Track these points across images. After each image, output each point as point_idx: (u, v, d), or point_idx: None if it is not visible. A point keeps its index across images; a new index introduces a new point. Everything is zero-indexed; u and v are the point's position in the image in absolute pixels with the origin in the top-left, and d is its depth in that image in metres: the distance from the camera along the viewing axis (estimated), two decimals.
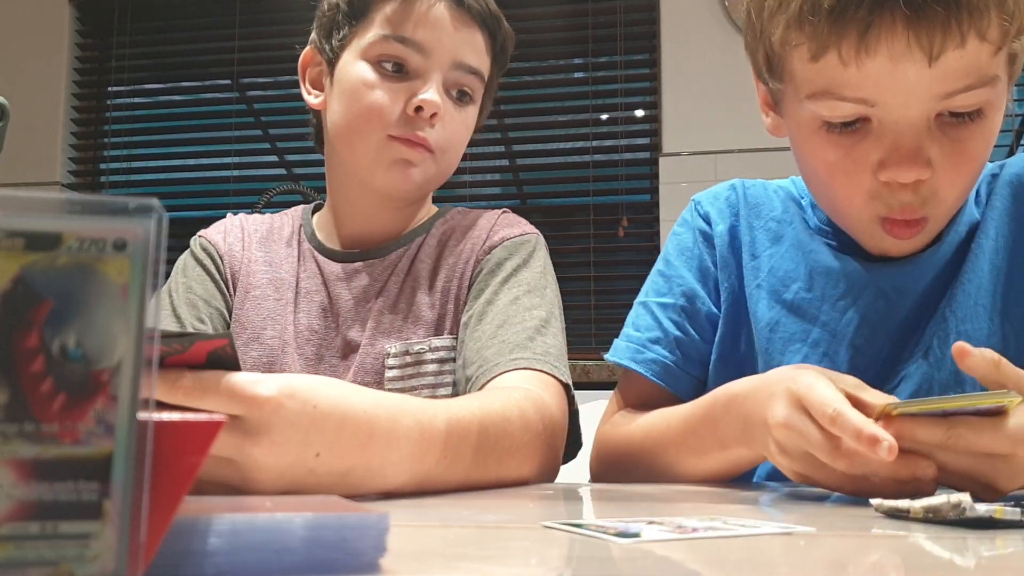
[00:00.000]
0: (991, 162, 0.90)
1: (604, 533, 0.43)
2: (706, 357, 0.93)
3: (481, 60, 1.01)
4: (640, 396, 0.94)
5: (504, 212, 1.06)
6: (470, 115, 1.02)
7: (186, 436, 0.30)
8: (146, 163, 3.52)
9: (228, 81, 3.38)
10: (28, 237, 0.25)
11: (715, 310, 0.93)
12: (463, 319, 0.95)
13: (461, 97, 1.00)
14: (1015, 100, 2.94)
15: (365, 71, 0.97)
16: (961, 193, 0.78)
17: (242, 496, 0.55)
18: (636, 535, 0.43)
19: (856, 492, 0.62)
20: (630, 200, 3.09)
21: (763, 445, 0.68)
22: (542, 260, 1.00)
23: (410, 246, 1.02)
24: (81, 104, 3.37)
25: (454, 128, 0.99)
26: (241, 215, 1.12)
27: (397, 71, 0.96)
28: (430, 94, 0.95)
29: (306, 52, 1.06)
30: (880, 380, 0.82)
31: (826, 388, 0.61)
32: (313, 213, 1.11)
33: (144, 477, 0.26)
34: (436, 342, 0.95)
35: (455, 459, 0.67)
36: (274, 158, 3.41)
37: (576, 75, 3.26)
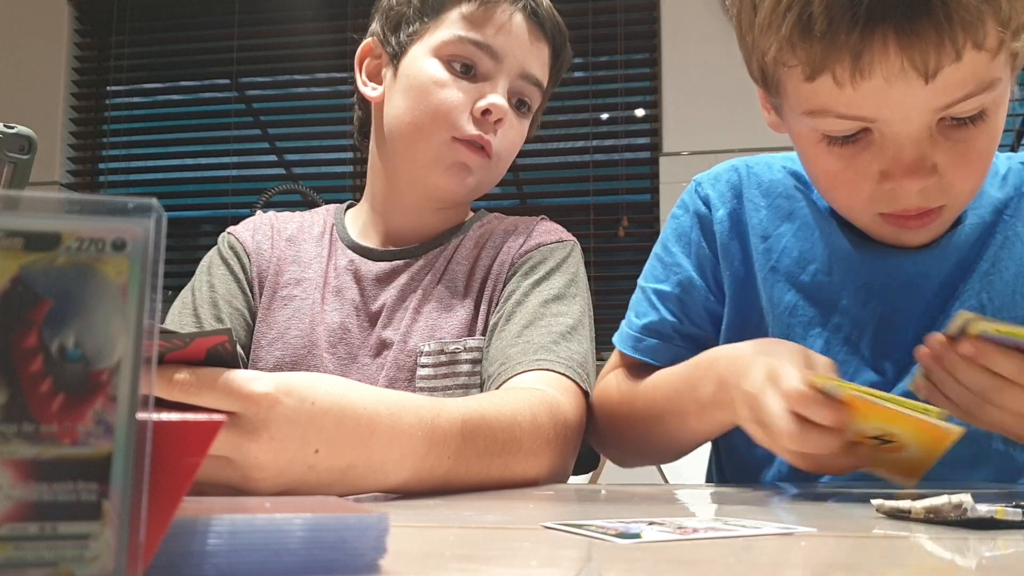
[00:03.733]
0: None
1: (604, 534, 0.43)
2: (704, 340, 0.92)
3: (544, 74, 1.01)
4: (639, 368, 0.94)
5: (543, 218, 1.05)
6: (525, 126, 1.02)
7: (186, 436, 0.29)
8: (145, 163, 3.52)
9: (227, 81, 3.38)
10: (27, 237, 0.25)
11: (712, 298, 0.92)
12: (492, 319, 0.95)
13: (520, 107, 1.00)
14: (1016, 100, 2.94)
15: (436, 68, 0.96)
16: (976, 185, 0.77)
17: (241, 497, 0.55)
18: (636, 536, 0.43)
19: (808, 466, 0.66)
20: (630, 200, 3.09)
21: (734, 409, 0.72)
22: (575, 267, 0.99)
23: (446, 247, 1.01)
24: (80, 104, 3.37)
25: (512, 137, 0.99)
26: (272, 213, 1.11)
27: (465, 72, 0.96)
28: (499, 99, 0.95)
29: (366, 43, 1.04)
30: (904, 366, 0.81)
31: (794, 375, 0.65)
32: (347, 210, 1.10)
33: (143, 477, 0.26)
34: (471, 342, 0.95)
35: (460, 458, 0.67)
36: (273, 157, 3.41)
37: (576, 75, 3.25)
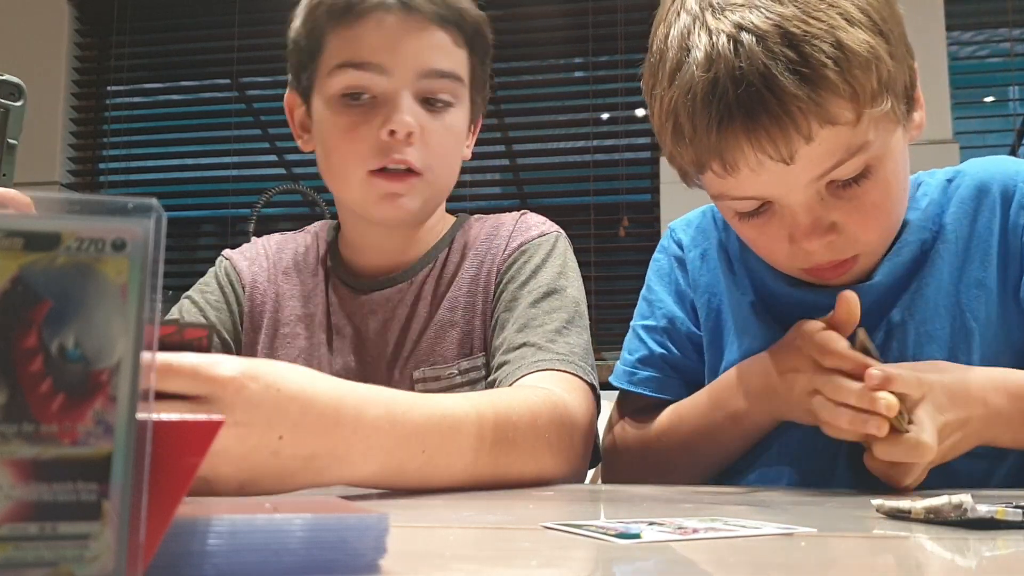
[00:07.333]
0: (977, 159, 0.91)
1: (604, 534, 0.43)
2: (692, 370, 0.97)
3: (451, 59, 0.94)
4: (639, 408, 0.98)
5: (523, 214, 1.03)
6: (454, 119, 0.95)
7: (185, 436, 0.29)
8: (145, 163, 3.52)
9: (227, 81, 3.38)
10: (27, 237, 0.25)
11: (693, 329, 0.97)
12: (489, 334, 0.94)
13: (435, 104, 0.93)
14: (1016, 100, 2.94)
15: (333, 112, 0.93)
16: (882, 233, 0.82)
17: (240, 497, 0.55)
18: (636, 536, 0.43)
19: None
20: (630, 200, 3.09)
21: (790, 410, 0.80)
22: (562, 258, 0.97)
23: (434, 264, 1.00)
24: (80, 104, 3.37)
25: (437, 141, 0.93)
26: (264, 239, 1.09)
27: (366, 99, 0.92)
28: (399, 116, 0.89)
29: (288, 96, 1.02)
30: None
31: (839, 342, 0.73)
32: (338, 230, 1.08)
33: (143, 477, 0.26)
34: (465, 364, 0.94)
35: (438, 454, 0.66)
36: (273, 157, 3.41)
37: (576, 75, 3.26)
